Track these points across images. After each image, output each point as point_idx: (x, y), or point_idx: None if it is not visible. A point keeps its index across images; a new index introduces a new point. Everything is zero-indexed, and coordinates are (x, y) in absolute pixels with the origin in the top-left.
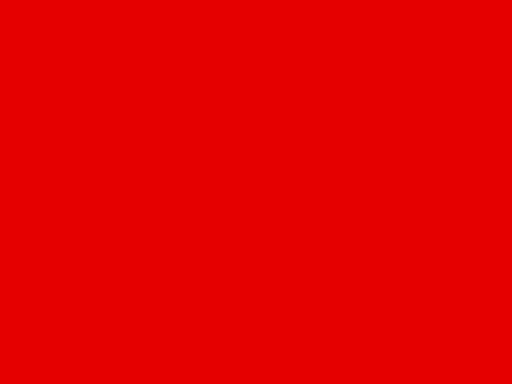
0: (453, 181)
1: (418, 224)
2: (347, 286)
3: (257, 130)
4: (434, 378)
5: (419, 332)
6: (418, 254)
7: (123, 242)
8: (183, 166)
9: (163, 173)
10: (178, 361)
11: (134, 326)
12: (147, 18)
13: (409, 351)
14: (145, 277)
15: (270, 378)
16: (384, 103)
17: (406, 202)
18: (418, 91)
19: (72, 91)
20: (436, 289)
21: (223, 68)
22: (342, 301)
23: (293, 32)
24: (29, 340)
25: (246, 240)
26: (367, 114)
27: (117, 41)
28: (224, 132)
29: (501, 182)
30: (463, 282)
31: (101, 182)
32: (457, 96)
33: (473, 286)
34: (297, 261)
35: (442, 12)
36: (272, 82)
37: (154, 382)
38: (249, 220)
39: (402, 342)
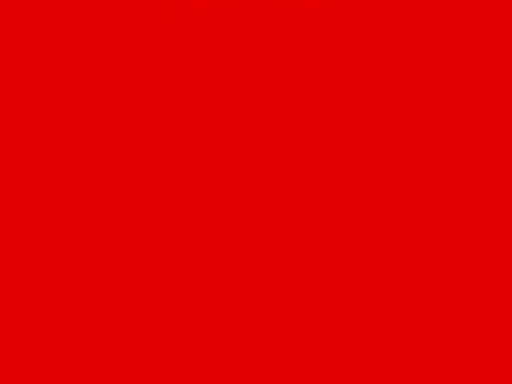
0: (453, 181)
1: (419, 225)
2: (347, 287)
3: (257, 131)
4: (434, 378)
5: (419, 332)
6: (418, 255)
7: (123, 242)
8: (183, 167)
9: (163, 173)
10: (177, 361)
11: (133, 326)
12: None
13: (409, 351)
14: (145, 277)
15: (270, 378)
16: (385, 104)
17: (406, 202)
18: (419, 93)
19: (71, 91)
20: (436, 289)
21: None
22: (342, 301)
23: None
24: (29, 340)
25: (246, 241)
26: (368, 115)
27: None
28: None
29: (501, 182)
30: (463, 282)
31: (101, 183)
32: (457, 96)
33: (473, 286)
34: (297, 261)
35: (442, 13)
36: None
37: (153, 382)
38: (249, 221)
39: (401, 342)
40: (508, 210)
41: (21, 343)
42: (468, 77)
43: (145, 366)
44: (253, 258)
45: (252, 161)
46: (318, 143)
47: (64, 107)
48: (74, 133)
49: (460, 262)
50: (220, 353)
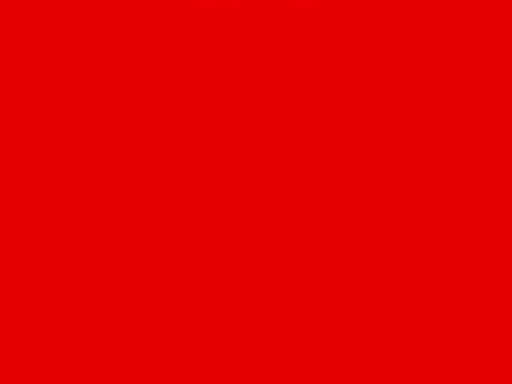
0: (453, 181)
1: (419, 225)
2: (348, 287)
3: (258, 132)
4: (434, 378)
5: (419, 332)
6: (418, 254)
7: (123, 243)
8: (183, 168)
9: (163, 173)
10: (178, 361)
11: (134, 327)
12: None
13: (409, 351)
14: (145, 278)
15: (271, 377)
16: (386, 105)
17: (406, 202)
18: (420, 94)
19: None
20: (436, 289)
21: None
22: (343, 301)
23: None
24: (29, 340)
25: (246, 240)
26: (368, 116)
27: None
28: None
29: (501, 182)
30: (463, 282)
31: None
32: (458, 97)
33: (473, 286)
34: (297, 261)
35: (443, 14)
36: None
37: (154, 382)
38: (249, 221)
39: (401, 342)
40: (508, 209)
41: (21, 343)
42: (468, 77)
43: (145, 366)
44: (253, 258)
45: (252, 160)
46: (318, 143)
47: (64, 107)
48: (74, 132)
49: (460, 261)
50: (220, 353)
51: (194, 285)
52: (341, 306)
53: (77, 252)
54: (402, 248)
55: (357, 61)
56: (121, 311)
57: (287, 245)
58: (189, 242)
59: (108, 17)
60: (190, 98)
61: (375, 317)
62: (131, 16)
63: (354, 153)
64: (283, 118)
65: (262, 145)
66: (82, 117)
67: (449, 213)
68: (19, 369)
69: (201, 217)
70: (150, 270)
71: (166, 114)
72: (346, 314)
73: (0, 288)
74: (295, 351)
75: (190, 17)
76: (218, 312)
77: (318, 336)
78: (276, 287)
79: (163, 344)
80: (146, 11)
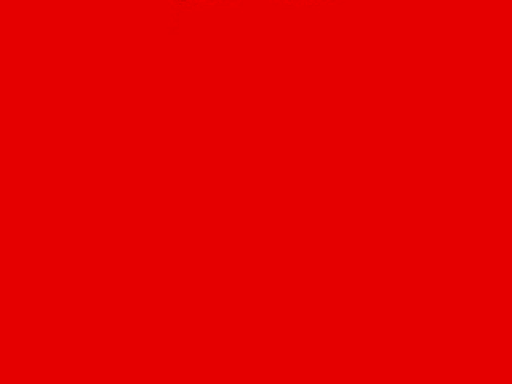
0: (453, 181)
1: (419, 225)
2: (348, 287)
3: (258, 132)
4: (434, 378)
5: (419, 332)
6: (418, 255)
7: (123, 243)
8: (183, 168)
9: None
10: (178, 361)
11: (134, 327)
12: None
13: (409, 351)
14: (145, 277)
15: (271, 377)
16: (386, 106)
17: (406, 203)
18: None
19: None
20: (436, 289)
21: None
22: (343, 301)
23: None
24: (29, 340)
25: (246, 240)
26: (368, 117)
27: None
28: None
29: (501, 182)
30: (463, 282)
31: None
32: (458, 98)
33: (473, 286)
34: (297, 262)
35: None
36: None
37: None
38: (249, 221)
39: (401, 342)
40: (508, 210)
41: (21, 343)
42: (468, 77)
43: (145, 366)
44: (253, 258)
45: (252, 161)
46: (318, 143)
47: (64, 107)
48: (74, 133)
49: (460, 262)
50: (220, 353)
51: (193, 283)
52: (340, 305)
53: (76, 252)
54: (402, 247)
55: (356, 61)
56: (120, 310)
57: (287, 244)
58: (188, 241)
59: (108, 17)
60: (190, 97)
61: (375, 316)
62: (131, 16)
63: (354, 152)
64: (283, 117)
65: (262, 144)
66: (81, 116)
67: (449, 212)
68: (19, 369)
69: (200, 216)
70: (149, 270)
71: (166, 113)
72: (346, 313)
73: (0, 288)
74: (295, 351)
75: (190, 17)
76: (217, 311)
77: (317, 335)
78: (276, 286)
79: (163, 343)
80: (146, 11)
